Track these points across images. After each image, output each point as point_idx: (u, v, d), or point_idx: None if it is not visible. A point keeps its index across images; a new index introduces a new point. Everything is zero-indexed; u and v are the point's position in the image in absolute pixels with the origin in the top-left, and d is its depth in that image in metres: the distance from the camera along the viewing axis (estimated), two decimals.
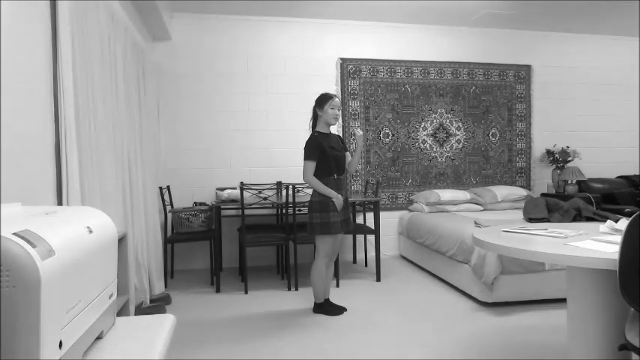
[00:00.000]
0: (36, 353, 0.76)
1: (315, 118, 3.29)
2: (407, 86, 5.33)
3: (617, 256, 1.58)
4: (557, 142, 5.73)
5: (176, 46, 4.84)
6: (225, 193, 4.09)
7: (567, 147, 5.59)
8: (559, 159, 5.45)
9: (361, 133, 3.29)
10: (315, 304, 3.32)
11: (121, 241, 2.13)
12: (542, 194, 5.33)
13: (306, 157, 3.16)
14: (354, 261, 5.02)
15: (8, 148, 1.57)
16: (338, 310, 3.30)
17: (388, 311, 3.36)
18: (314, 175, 3.17)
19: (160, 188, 4.33)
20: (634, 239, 1.53)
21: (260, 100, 5.01)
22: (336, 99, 3.21)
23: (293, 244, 3.98)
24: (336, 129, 5.14)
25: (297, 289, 3.94)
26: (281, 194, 4.61)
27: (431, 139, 5.40)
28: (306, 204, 3.92)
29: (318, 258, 3.24)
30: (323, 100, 3.22)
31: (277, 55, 5.05)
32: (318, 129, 3.26)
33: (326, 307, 3.29)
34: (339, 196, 3.17)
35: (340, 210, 3.18)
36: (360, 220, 5.14)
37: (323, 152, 3.15)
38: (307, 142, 3.20)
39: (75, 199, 2.02)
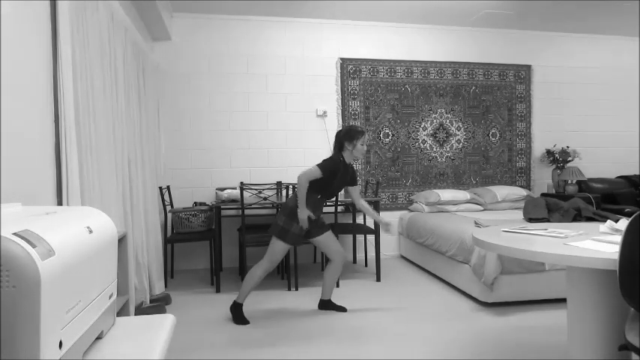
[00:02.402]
0: (36, 353, 0.76)
1: (340, 147, 3.19)
2: (407, 86, 5.33)
3: (617, 256, 1.58)
4: (557, 142, 5.73)
5: (176, 46, 4.84)
6: (225, 193, 4.08)
7: (567, 147, 5.60)
8: (559, 159, 5.45)
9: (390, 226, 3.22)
10: (235, 302, 3.18)
11: (121, 241, 2.13)
12: (542, 194, 5.33)
13: (319, 165, 3.08)
14: (354, 261, 5.02)
15: (8, 148, 1.58)
16: (338, 307, 3.30)
17: (388, 311, 3.36)
18: (308, 185, 3.12)
19: (160, 188, 4.33)
20: (634, 239, 1.53)
21: (260, 100, 5.01)
22: (365, 136, 3.19)
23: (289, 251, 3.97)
24: (336, 128, 5.15)
25: (297, 289, 3.94)
26: (281, 194, 4.61)
27: (431, 139, 5.40)
28: None
29: (263, 262, 3.13)
30: (354, 135, 3.14)
31: (277, 55, 5.05)
32: (345, 157, 3.19)
33: (236, 313, 3.15)
34: (305, 216, 3.06)
35: (305, 227, 3.11)
36: (360, 220, 5.14)
37: (332, 177, 3.11)
38: (330, 159, 3.14)
39: (75, 199, 2.02)
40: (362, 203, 3.29)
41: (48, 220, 0.95)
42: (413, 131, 5.34)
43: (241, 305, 3.18)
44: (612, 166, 5.91)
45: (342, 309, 3.36)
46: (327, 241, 3.26)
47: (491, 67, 5.54)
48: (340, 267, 3.34)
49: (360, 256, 5.17)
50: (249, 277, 3.14)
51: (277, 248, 3.12)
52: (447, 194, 4.94)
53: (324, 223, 3.29)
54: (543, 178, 5.73)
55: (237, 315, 3.16)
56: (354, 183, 3.33)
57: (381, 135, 5.26)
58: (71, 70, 2.03)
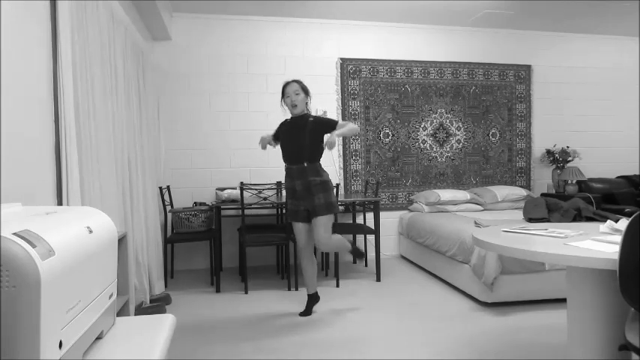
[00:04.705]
0: (36, 353, 0.76)
1: None
2: (407, 86, 5.33)
3: (617, 256, 1.58)
4: (557, 142, 5.73)
5: (176, 46, 4.84)
6: (225, 193, 4.08)
7: (567, 147, 5.60)
8: (559, 159, 5.45)
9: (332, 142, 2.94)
10: (308, 295, 3.37)
11: (121, 241, 2.13)
12: (542, 194, 5.33)
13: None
14: (354, 261, 5.01)
15: (8, 148, 1.57)
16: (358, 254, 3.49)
17: (388, 311, 3.36)
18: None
19: (160, 188, 4.32)
20: (634, 239, 1.53)
21: (260, 100, 5.01)
22: (287, 87, 3.16)
23: (293, 243, 3.98)
24: None
25: (297, 289, 3.94)
26: (281, 194, 4.60)
27: (431, 139, 5.40)
28: None
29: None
30: (282, 93, 3.26)
31: (277, 55, 5.05)
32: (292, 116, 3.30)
33: (309, 302, 3.34)
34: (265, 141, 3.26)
35: (295, 199, 3.22)
36: (360, 220, 5.14)
37: (277, 139, 3.33)
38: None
39: (75, 199, 2.02)
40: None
41: (48, 220, 0.95)
42: (413, 131, 5.34)
43: (314, 294, 3.34)
44: (612, 166, 5.90)
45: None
46: (317, 224, 3.13)
47: (491, 67, 5.54)
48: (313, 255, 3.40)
49: None
50: (302, 270, 3.37)
51: (294, 230, 3.31)
52: (447, 194, 4.94)
53: (319, 207, 3.09)
54: (543, 178, 5.73)
55: (309, 306, 3.31)
56: (323, 129, 3.11)
57: (381, 135, 5.26)
58: (71, 70, 2.03)
